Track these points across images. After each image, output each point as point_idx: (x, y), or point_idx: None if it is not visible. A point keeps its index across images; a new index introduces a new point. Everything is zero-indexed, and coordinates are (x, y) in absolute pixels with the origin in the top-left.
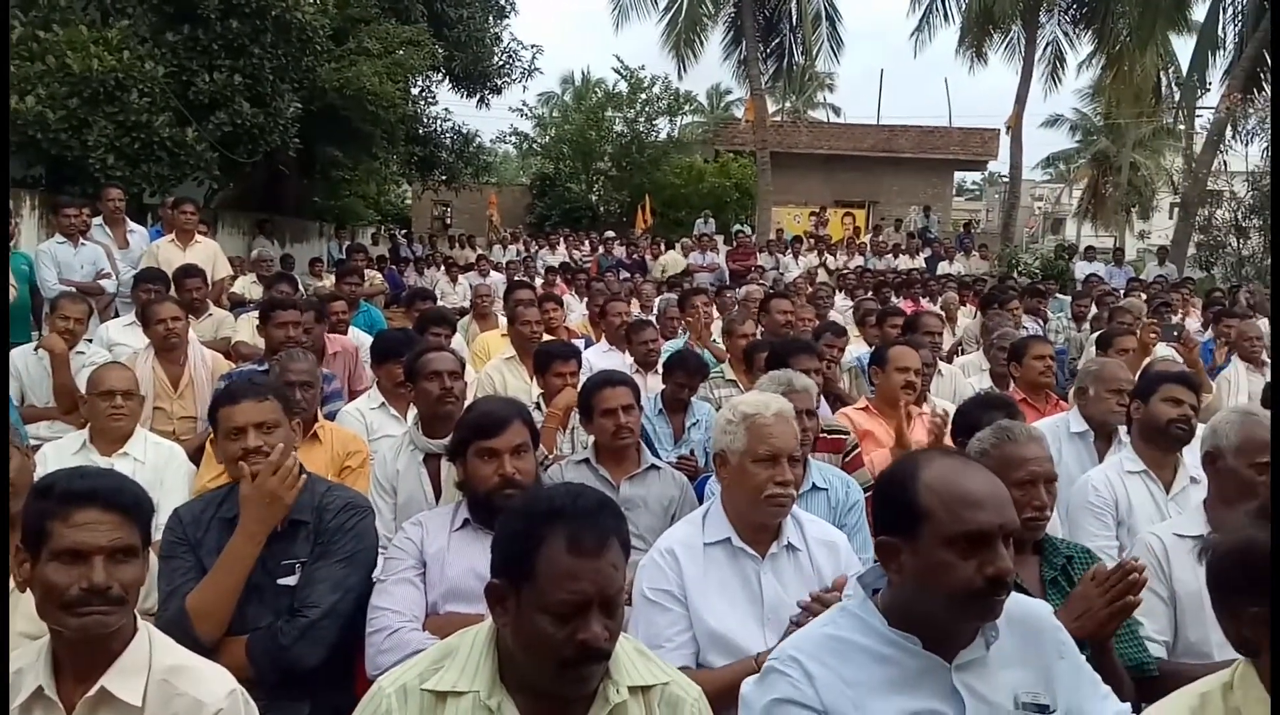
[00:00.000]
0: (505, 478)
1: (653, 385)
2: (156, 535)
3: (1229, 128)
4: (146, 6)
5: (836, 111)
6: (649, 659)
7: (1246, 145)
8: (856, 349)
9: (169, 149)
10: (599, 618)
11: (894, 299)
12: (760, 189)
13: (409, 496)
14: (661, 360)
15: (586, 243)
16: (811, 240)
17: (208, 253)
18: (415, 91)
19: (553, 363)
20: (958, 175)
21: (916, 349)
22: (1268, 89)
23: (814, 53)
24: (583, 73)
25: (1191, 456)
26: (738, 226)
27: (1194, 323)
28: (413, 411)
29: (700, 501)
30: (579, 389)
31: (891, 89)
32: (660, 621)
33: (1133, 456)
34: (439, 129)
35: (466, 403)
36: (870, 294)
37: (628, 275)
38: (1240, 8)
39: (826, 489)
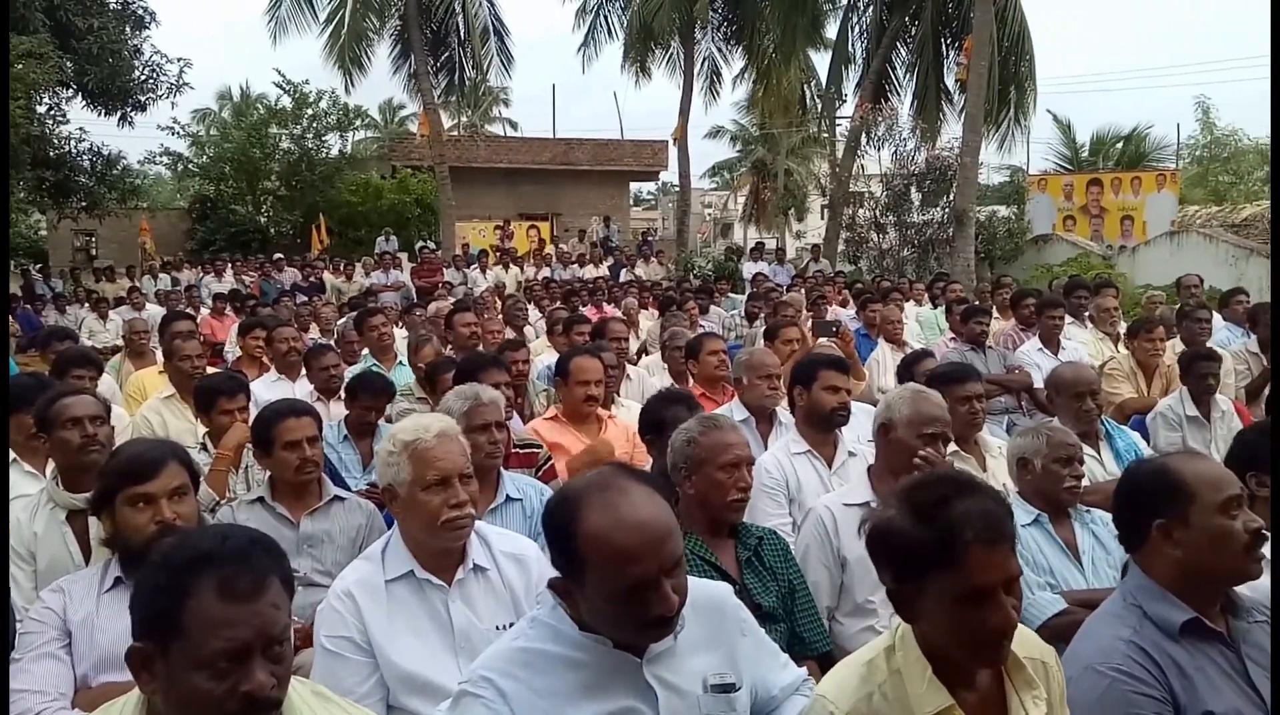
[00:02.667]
0: (164, 525)
1: (335, 412)
2: None
3: (864, 135)
4: None
5: (514, 125)
6: (327, 699)
7: (879, 150)
8: (549, 357)
9: None
10: (263, 665)
11: (581, 308)
12: (442, 204)
13: (51, 561)
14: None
15: (259, 268)
16: (498, 253)
17: None
18: (42, 110)
19: (218, 399)
20: (633, 185)
21: (599, 356)
22: (894, 99)
23: (485, 67)
24: (241, 88)
25: (849, 432)
26: (422, 243)
27: (846, 312)
28: (51, 465)
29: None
30: (254, 422)
31: (566, 102)
32: (342, 672)
33: (797, 438)
34: (74, 150)
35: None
36: (560, 303)
37: (305, 299)
38: (866, 27)
39: (521, 499)
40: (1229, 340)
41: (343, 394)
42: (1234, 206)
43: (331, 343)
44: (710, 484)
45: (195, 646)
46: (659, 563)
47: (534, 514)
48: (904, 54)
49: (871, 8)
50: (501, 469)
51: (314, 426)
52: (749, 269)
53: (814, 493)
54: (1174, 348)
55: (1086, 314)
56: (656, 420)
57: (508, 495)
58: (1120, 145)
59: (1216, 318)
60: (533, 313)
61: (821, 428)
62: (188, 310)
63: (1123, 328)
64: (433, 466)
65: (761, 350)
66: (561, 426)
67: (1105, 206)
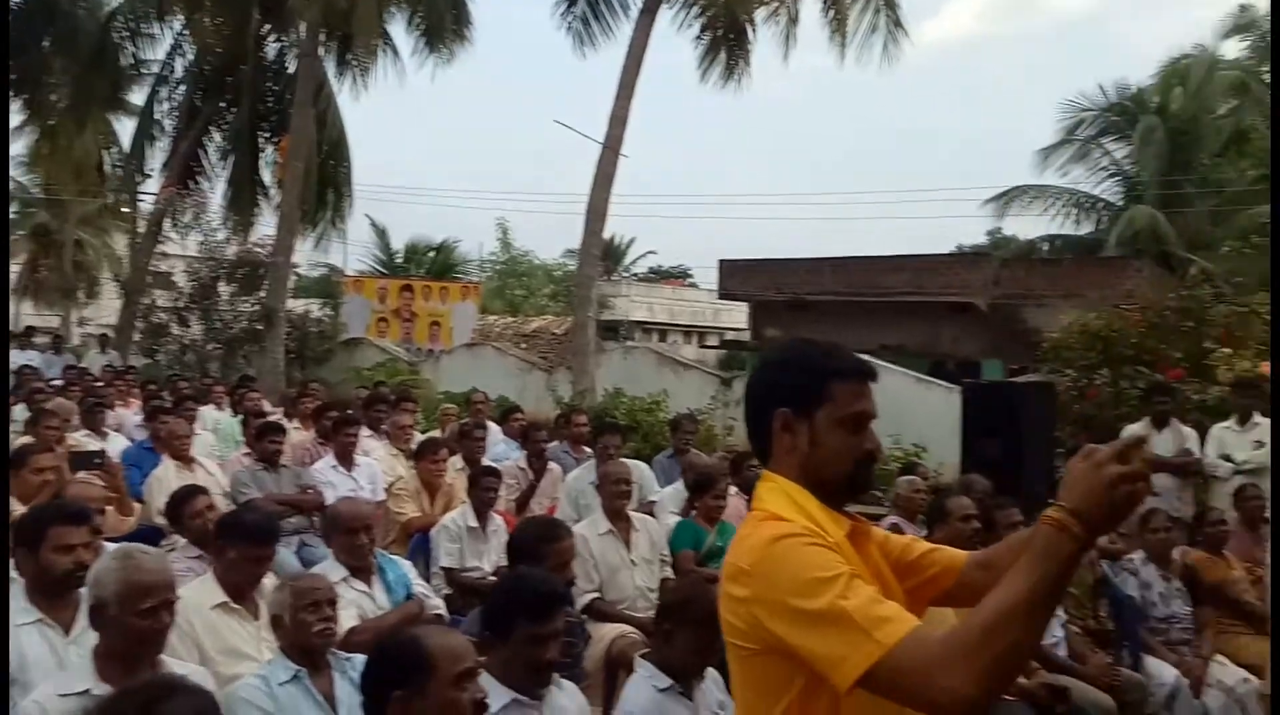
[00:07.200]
0: None
1: None
2: None
3: (169, 218)
4: None
5: None
6: None
7: (185, 237)
8: None
9: None
10: None
11: None
12: None
13: None
14: None
15: None
16: None
17: None
18: None
19: None
20: None
21: None
22: (205, 183)
23: None
24: None
25: None
26: None
27: (133, 414)
28: None
29: None
30: None
31: None
32: None
33: (28, 606)
34: None
35: None
36: None
37: None
38: (177, 103)
39: None
40: (505, 453)
41: None
42: (525, 318)
43: None
44: None
45: None
46: None
47: None
48: (218, 139)
49: (184, 85)
50: None
51: None
52: (16, 358)
53: (43, 671)
54: (454, 464)
55: (384, 428)
56: None
57: None
58: (432, 255)
59: (495, 430)
60: None
61: (55, 594)
62: None
63: (415, 443)
64: None
65: None
66: None
67: (416, 312)
